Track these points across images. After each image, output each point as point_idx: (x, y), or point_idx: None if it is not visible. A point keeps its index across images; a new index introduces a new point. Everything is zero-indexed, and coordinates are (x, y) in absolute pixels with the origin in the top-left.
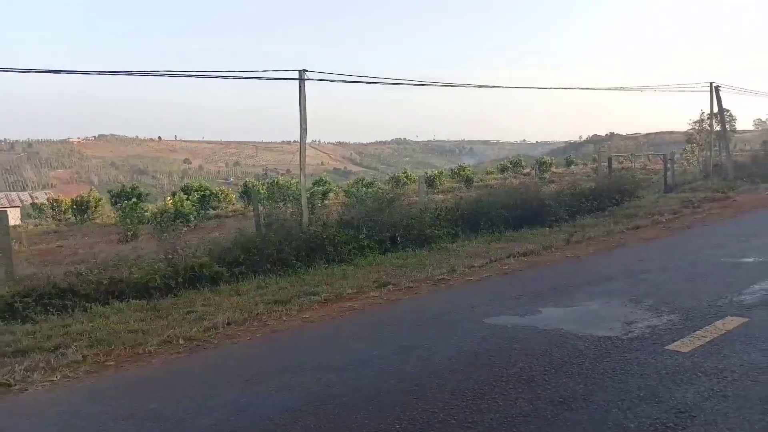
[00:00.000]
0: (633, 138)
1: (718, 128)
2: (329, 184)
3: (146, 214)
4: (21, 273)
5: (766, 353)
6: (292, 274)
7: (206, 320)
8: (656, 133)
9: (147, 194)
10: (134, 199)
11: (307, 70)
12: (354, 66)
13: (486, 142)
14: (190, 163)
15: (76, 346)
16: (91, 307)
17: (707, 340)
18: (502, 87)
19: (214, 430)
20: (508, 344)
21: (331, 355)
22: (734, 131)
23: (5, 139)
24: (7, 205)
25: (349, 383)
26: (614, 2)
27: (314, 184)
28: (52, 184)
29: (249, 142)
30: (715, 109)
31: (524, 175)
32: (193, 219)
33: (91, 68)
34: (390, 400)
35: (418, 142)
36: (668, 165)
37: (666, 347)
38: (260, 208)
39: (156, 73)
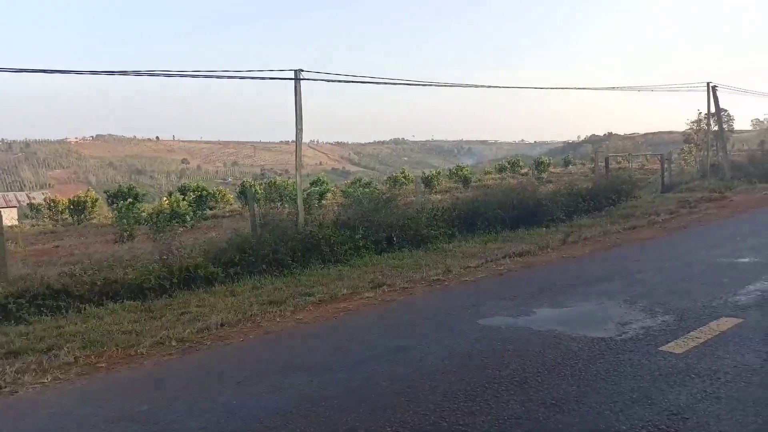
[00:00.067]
0: (631, 138)
1: (715, 128)
2: (327, 184)
3: (143, 214)
4: (16, 273)
5: (760, 354)
6: (287, 275)
7: (200, 321)
8: (654, 133)
9: (144, 194)
10: (130, 200)
11: (302, 70)
12: (354, 67)
13: (484, 142)
14: (188, 163)
15: (68, 348)
16: (85, 308)
17: (701, 341)
18: (501, 87)
19: None
20: (501, 345)
21: (324, 357)
22: (732, 131)
23: (2, 139)
24: (4, 205)
25: (341, 385)
26: (614, 2)
27: (311, 184)
28: (49, 185)
29: (247, 142)
30: (712, 109)
31: (522, 175)
32: (189, 219)
33: (87, 68)
34: (381, 402)
35: (416, 142)
36: (665, 165)
37: (660, 348)
38: (256, 209)
39: (151, 73)
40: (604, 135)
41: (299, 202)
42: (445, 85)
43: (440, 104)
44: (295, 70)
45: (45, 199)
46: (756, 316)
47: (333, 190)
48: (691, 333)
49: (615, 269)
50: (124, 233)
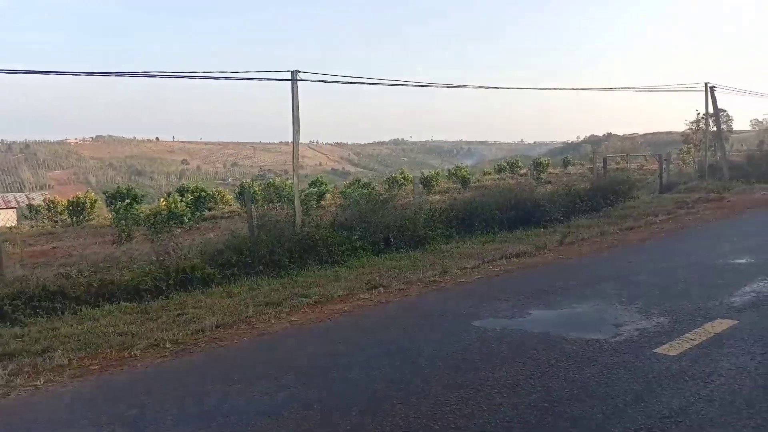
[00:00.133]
0: (630, 138)
1: (714, 129)
2: (325, 185)
3: (141, 215)
4: (12, 275)
5: (754, 356)
6: (284, 276)
7: (195, 323)
8: (654, 134)
9: (143, 195)
10: (128, 201)
11: (299, 71)
12: (354, 67)
13: (484, 143)
14: (188, 164)
15: (62, 350)
16: (81, 310)
17: (696, 343)
18: (500, 88)
19: None
20: (495, 347)
21: (317, 359)
22: (731, 131)
23: (2, 140)
24: (3, 206)
25: (334, 388)
26: (614, 2)
27: (310, 185)
28: (49, 185)
29: (247, 143)
30: (711, 110)
31: (521, 175)
32: (187, 220)
33: (84, 70)
34: (373, 405)
35: (416, 143)
36: (663, 166)
37: (654, 350)
38: (253, 209)
39: (147, 74)
40: (604, 135)
41: (296, 203)
42: (442, 86)
43: (440, 105)
44: (292, 71)
45: (44, 200)
46: (751, 317)
47: (332, 191)
48: (686, 335)
49: (611, 270)
50: (123, 234)
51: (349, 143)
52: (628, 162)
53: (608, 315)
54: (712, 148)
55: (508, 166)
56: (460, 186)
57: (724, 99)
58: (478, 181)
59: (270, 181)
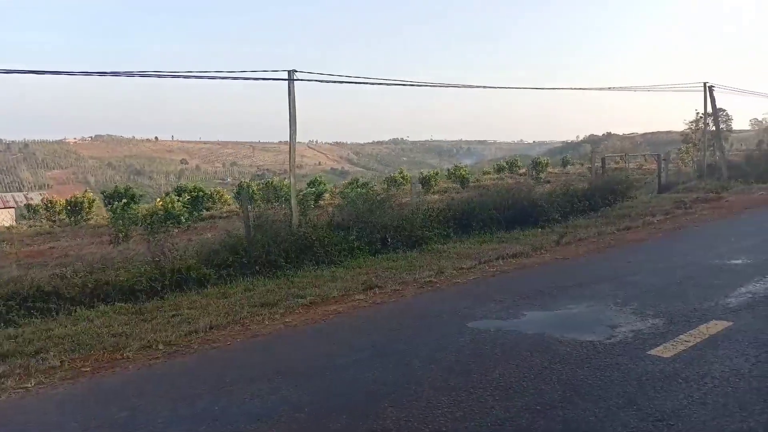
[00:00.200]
0: (630, 138)
1: (712, 128)
2: (324, 184)
3: (138, 215)
4: (8, 275)
5: (748, 358)
6: (281, 276)
7: (189, 324)
8: (653, 133)
9: (141, 195)
10: (125, 200)
11: (296, 71)
12: (356, 66)
13: (483, 142)
14: (187, 163)
15: (54, 351)
16: (75, 310)
17: (690, 344)
18: (500, 87)
19: None
20: (489, 349)
21: (309, 361)
22: (731, 131)
23: (1, 139)
24: (2, 206)
25: (325, 390)
26: (613, 2)
27: (309, 184)
28: (48, 185)
29: (246, 142)
30: (709, 110)
31: (520, 175)
32: (184, 220)
33: (81, 69)
34: (364, 409)
35: (415, 142)
36: (662, 165)
37: (648, 352)
38: (249, 209)
39: (143, 74)
40: (603, 135)
41: (293, 202)
42: (439, 86)
43: (439, 104)
44: (289, 71)
45: (42, 200)
46: (746, 318)
47: (331, 191)
48: (681, 336)
49: (607, 271)
50: (120, 234)
51: (349, 143)
52: (627, 162)
53: (603, 316)
54: (711, 148)
55: (507, 166)
56: (459, 186)
57: (724, 99)
58: (477, 180)
59: (268, 181)
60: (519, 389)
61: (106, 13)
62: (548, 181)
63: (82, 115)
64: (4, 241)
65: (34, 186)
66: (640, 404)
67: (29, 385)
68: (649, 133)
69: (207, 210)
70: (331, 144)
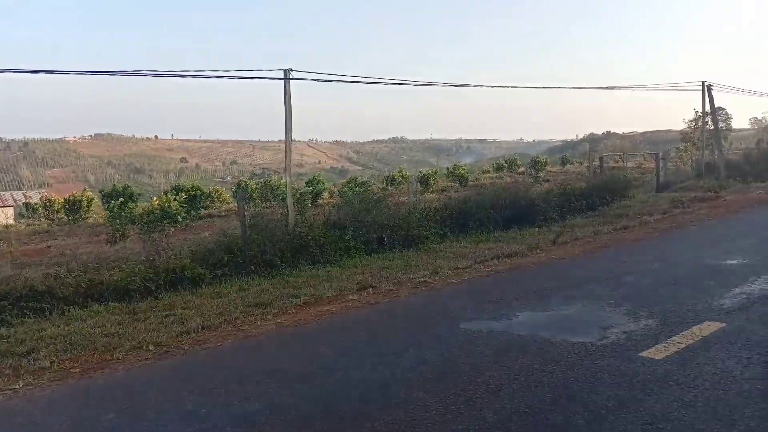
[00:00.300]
0: (630, 137)
1: (711, 127)
2: (323, 183)
3: (136, 214)
4: (2, 275)
5: (740, 360)
6: (276, 276)
7: (182, 324)
8: (653, 132)
9: (139, 194)
10: (121, 199)
11: (291, 70)
12: (354, 67)
13: (483, 141)
14: (187, 161)
15: (45, 352)
16: (69, 310)
17: (682, 346)
18: (500, 87)
19: None
20: (480, 351)
21: (299, 363)
22: (730, 130)
23: (1, 138)
24: (1, 204)
25: (314, 392)
26: (615, 2)
27: (307, 183)
28: (48, 183)
29: (246, 140)
30: (708, 108)
31: (519, 174)
32: (181, 219)
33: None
34: (352, 411)
35: (415, 141)
36: (660, 164)
37: (640, 354)
38: (245, 209)
39: (137, 73)
40: (603, 134)
41: (288, 202)
42: (437, 85)
43: (439, 103)
44: (285, 70)
45: (41, 199)
46: (740, 320)
47: (330, 190)
48: (673, 338)
49: (602, 271)
50: (117, 233)
51: (349, 141)
52: (625, 161)
53: (596, 317)
54: (710, 147)
55: (506, 165)
56: (457, 184)
57: (724, 97)
58: (477, 179)
59: (266, 180)
60: (509, 392)
61: (104, 8)
62: (547, 180)
63: (82, 114)
64: (1, 240)
65: (34, 184)
66: (630, 407)
67: (17, 387)
68: (649, 132)
69: (205, 209)
70: (330, 142)
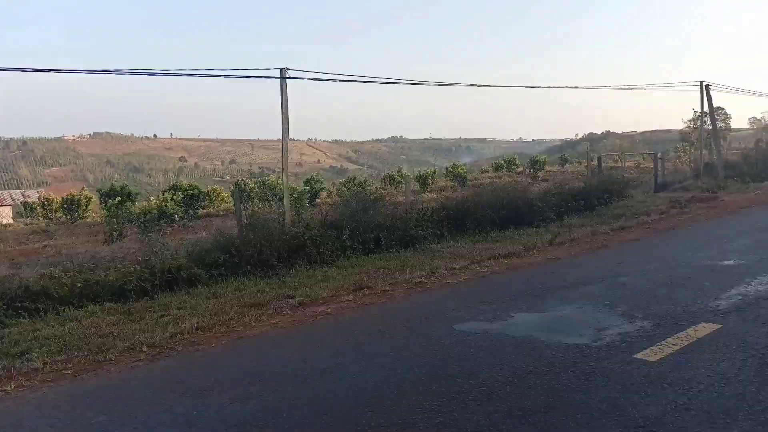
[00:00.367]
0: (629, 136)
1: (710, 127)
2: (321, 183)
3: (134, 213)
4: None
5: (734, 363)
6: (272, 276)
7: (177, 325)
8: (652, 132)
9: (137, 193)
10: (119, 198)
11: (288, 69)
12: (354, 66)
13: (482, 141)
14: (186, 161)
15: (38, 353)
16: (64, 311)
17: (677, 348)
18: (499, 86)
19: None
20: (474, 352)
21: (292, 365)
22: (729, 129)
23: (0, 137)
24: None
25: (306, 395)
26: (613, 1)
27: (305, 182)
28: (47, 182)
29: (245, 140)
30: (706, 108)
31: (518, 173)
32: (178, 219)
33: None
34: (344, 414)
35: (414, 141)
36: (658, 164)
37: (634, 356)
38: (242, 208)
39: (133, 71)
40: (602, 133)
41: (285, 202)
42: (436, 84)
43: (439, 102)
44: (281, 69)
45: (39, 198)
46: (735, 321)
47: (329, 189)
48: (668, 339)
49: (599, 272)
50: (114, 233)
51: (348, 141)
52: (624, 160)
53: (591, 318)
54: (709, 147)
55: (505, 164)
56: (456, 184)
57: (724, 97)
58: (476, 179)
59: (264, 179)
60: (502, 394)
61: (102, 7)
62: (546, 180)
63: (82, 113)
64: None
65: (33, 183)
66: (623, 410)
67: (9, 388)
68: (649, 131)
69: (203, 208)
70: (330, 142)
